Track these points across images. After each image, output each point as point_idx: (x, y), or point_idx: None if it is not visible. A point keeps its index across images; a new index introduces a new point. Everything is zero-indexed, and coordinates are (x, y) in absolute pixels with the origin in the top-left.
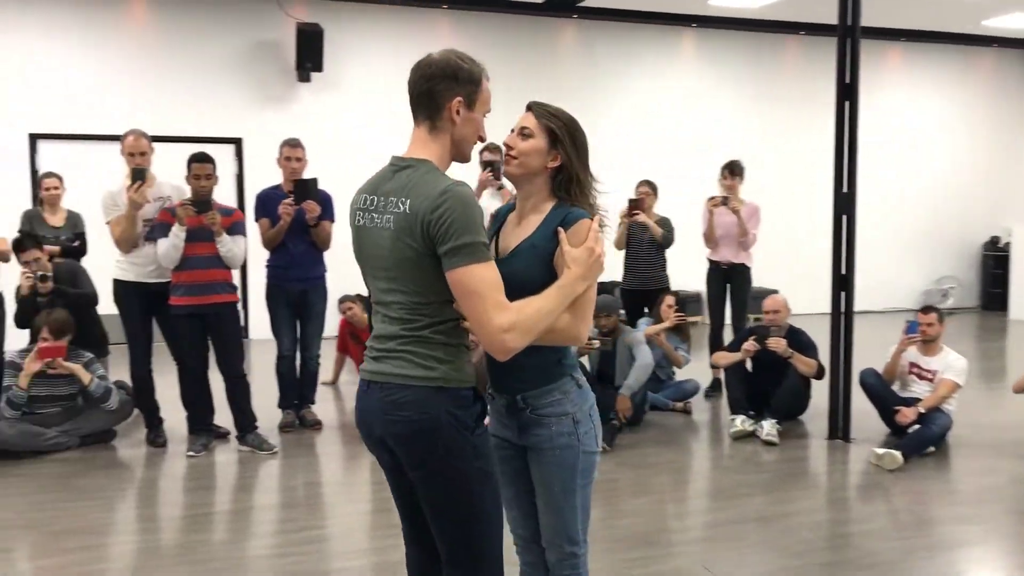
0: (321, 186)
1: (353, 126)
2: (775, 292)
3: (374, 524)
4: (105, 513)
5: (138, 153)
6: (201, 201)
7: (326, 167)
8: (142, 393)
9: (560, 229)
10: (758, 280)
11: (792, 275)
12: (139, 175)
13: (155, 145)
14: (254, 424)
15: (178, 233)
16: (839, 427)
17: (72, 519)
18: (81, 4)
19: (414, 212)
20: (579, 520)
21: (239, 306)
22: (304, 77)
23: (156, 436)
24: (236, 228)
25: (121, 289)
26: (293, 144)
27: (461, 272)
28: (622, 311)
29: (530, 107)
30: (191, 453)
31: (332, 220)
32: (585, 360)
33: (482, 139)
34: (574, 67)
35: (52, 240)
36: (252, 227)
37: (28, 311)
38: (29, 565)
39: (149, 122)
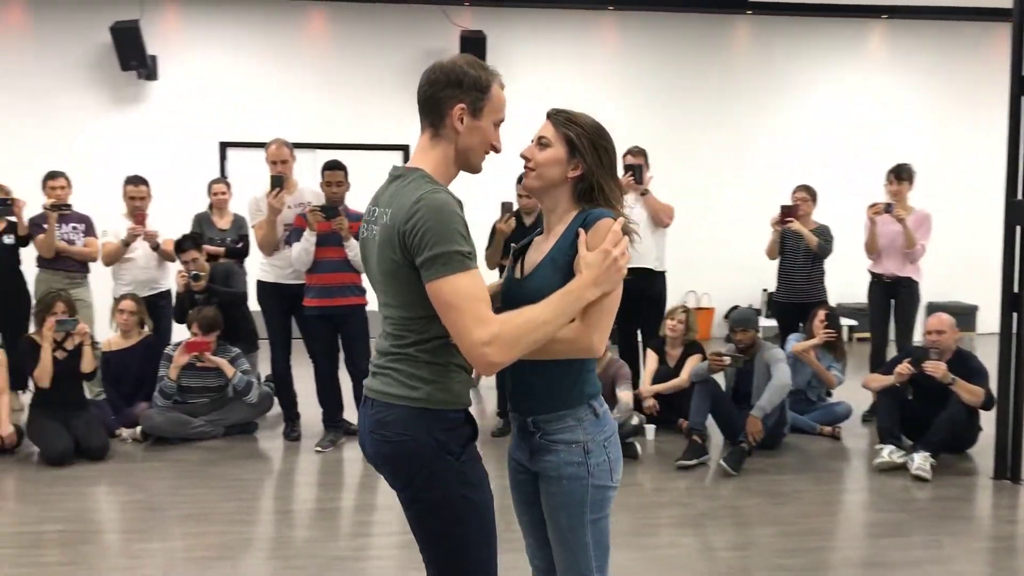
0: (481, 194)
1: (514, 132)
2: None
3: None
4: (226, 502)
5: (279, 161)
6: (329, 207)
7: (486, 174)
8: (281, 388)
9: (580, 231)
10: (933, 295)
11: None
12: (277, 182)
13: (328, 153)
14: (338, 423)
15: (308, 238)
16: (1007, 465)
17: (196, 505)
18: (265, 20)
19: (392, 223)
20: (591, 556)
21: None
22: None
23: (291, 430)
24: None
25: (262, 290)
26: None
27: (437, 284)
28: (774, 324)
29: (549, 115)
30: (318, 448)
31: None
32: (720, 377)
33: (495, 149)
34: (746, 66)
35: (218, 242)
36: None
37: (183, 308)
38: (140, 547)
39: (322, 131)
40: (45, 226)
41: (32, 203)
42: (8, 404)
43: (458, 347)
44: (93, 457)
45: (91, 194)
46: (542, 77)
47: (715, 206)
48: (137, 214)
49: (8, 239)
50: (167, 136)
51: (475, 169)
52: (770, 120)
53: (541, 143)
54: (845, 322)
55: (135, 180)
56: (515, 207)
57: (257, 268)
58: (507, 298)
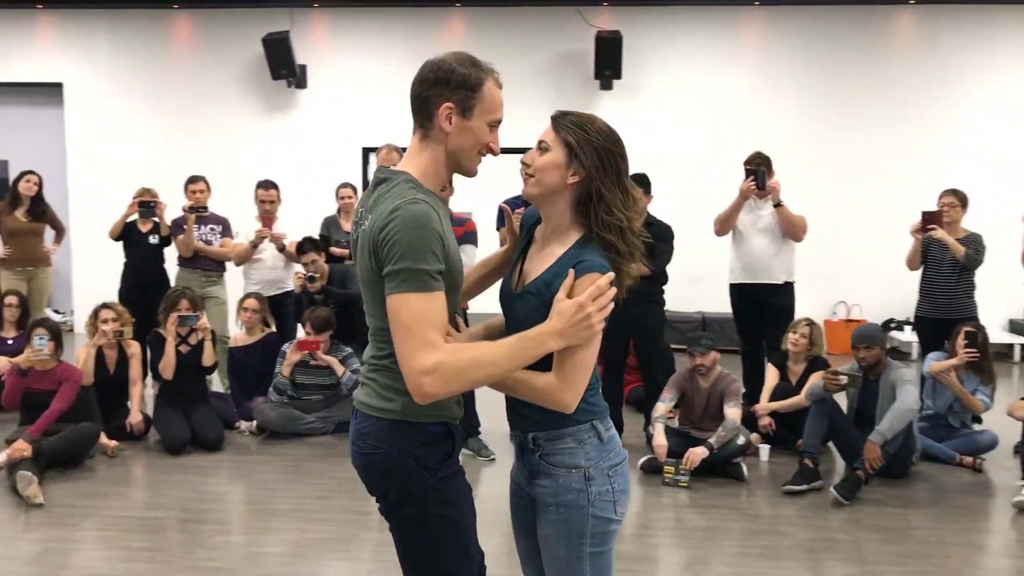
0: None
1: (652, 133)
2: None
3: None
4: (311, 499)
5: (390, 165)
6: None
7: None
8: None
9: (571, 271)
10: None
11: None
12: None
13: None
14: (476, 429)
15: None
16: None
17: (284, 501)
18: (407, 27)
19: (370, 230)
20: None
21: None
22: (606, 85)
23: None
24: (467, 238)
25: None
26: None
27: (393, 299)
28: (913, 341)
29: (552, 118)
30: None
31: None
32: (841, 397)
33: (492, 151)
34: (909, 60)
35: (344, 244)
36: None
37: (300, 308)
38: (222, 539)
39: None
40: (185, 227)
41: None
42: (140, 394)
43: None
44: (209, 448)
45: (241, 198)
46: (680, 78)
47: (870, 211)
48: (265, 217)
49: (153, 239)
50: (313, 142)
51: (469, 172)
52: (934, 120)
53: (541, 147)
54: (1008, 340)
55: (265, 184)
56: None
57: None
58: (502, 306)
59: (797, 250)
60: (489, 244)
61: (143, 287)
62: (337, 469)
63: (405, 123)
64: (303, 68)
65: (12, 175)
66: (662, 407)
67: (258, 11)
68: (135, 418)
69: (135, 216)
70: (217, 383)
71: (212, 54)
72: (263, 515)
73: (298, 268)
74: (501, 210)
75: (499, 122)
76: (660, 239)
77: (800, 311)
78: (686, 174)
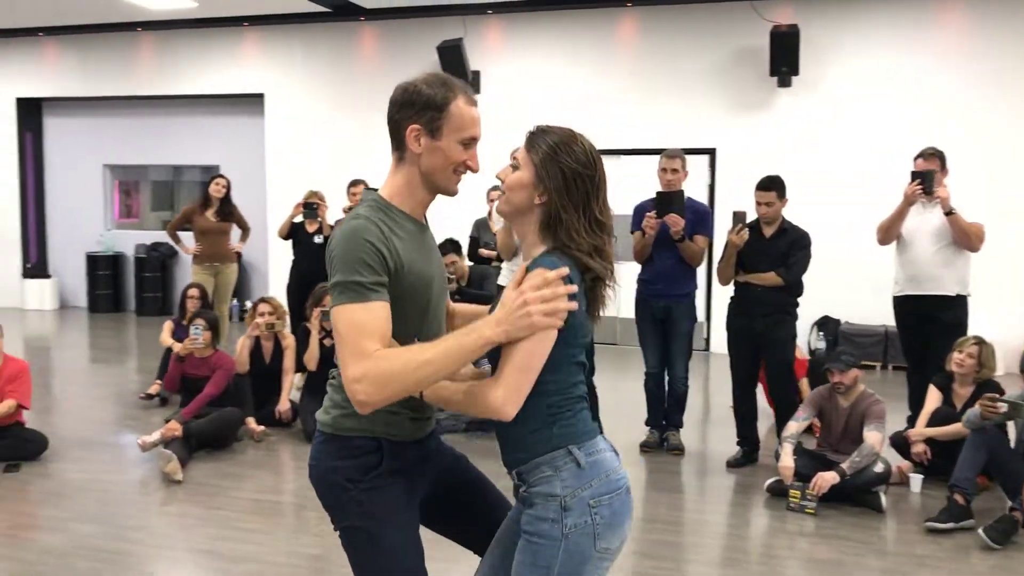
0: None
1: (831, 130)
2: None
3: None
4: None
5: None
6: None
7: (801, 174)
8: None
9: (523, 266)
10: None
11: None
12: (739, 218)
13: (637, 158)
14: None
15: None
16: None
17: None
18: (578, 29)
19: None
20: None
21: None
22: (784, 82)
23: None
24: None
25: (499, 293)
26: (671, 155)
27: (332, 312)
28: None
29: (528, 134)
30: None
31: (707, 236)
32: (1011, 427)
33: (470, 168)
34: None
35: (492, 245)
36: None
37: None
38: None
39: (631, 136)
40: None
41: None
42: (291, 384)
43: None
44: None
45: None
46: (862, 72)
47: None
48: None
49: (317, 239)
50: (483, 147)
51: (446, 191)
52: None
53: (512, 164)
54: None
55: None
56: (748, 218)
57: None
58: None
59: (974, 260)
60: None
61: (307, 284)
62: None
63: (576, 125)
64: (476, 74)
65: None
66: (793, 426)
67: (434, 20)
68: (283, 406)
69: (300, 217)
70: None
71: (392, 63)
72: None
73: None
74: (636, 212)
75: (474, 139)
76: (795, 247)
77: (977, 329)
78: (869, 174)
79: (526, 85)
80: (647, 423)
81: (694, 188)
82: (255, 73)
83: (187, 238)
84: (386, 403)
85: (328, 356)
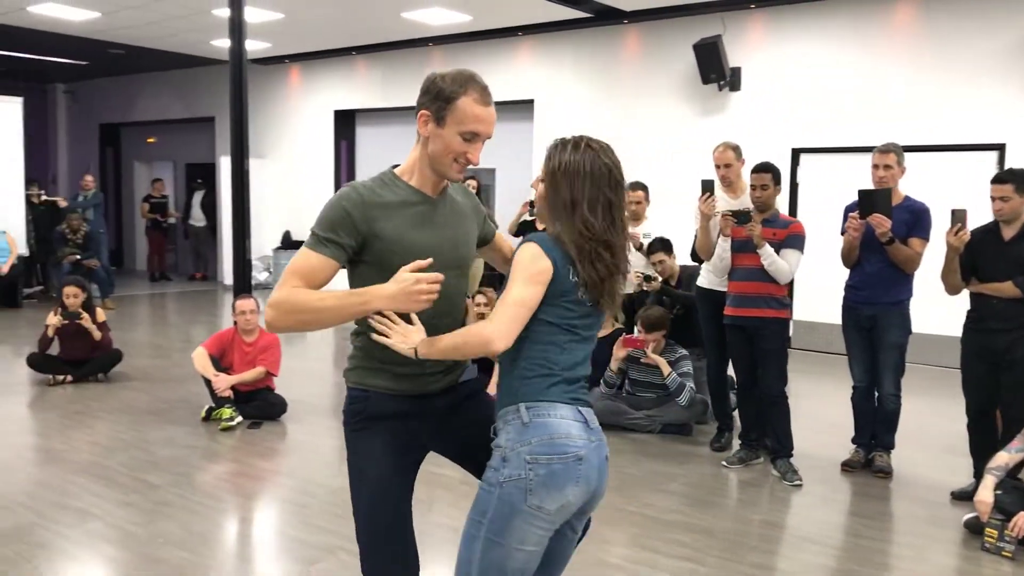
0: None
1: None
2: None
3: None
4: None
5: (723, 165)
6: (742, 212)
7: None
8: (714, 396)
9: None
10: None
11: None
12: (707, 187)
13: (915, 156)
14: (787, 450)
15: (722, 244)
16: None
17: None
18: (847, 21)
19: None
20: (469, 573)
21: (788, 323)
22: None
23: (717, 439)
24: (790, 241)
25: (700, 295)
26: (884, 150)
27: None
28: None
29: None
30: (724, 463)
31: (924, 239)
32: None
33: (469, 161)
34: None
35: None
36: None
37: (633, 306)
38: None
39: (904, 132)
40: None
41: None
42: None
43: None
44: None
45: (672, 201)
46: None
47: None
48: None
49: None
50: (742, 143)
51: (447, 177)
52: None
53: (540, 178)
54: None
55: (633, 186)
56: (969, 215)
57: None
58: None
59: None
60: (816, 250)
61: None
62: (640, 470)
63: (838, 123)
64: (736, 71)
65: (499, 183)
66: (1004, 457)
67: (694, 18)
68: (493, 392)
69: (527, 215)
70: None
71: (652, 63)
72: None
73: (638, 267)
74: (845, 212)
75: (475, 135)
76: None
77: None
78: None
79: (789, 78)
80: (853, 440)
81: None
82: (527, 79)
83: None
84: (288, 330)
85: None
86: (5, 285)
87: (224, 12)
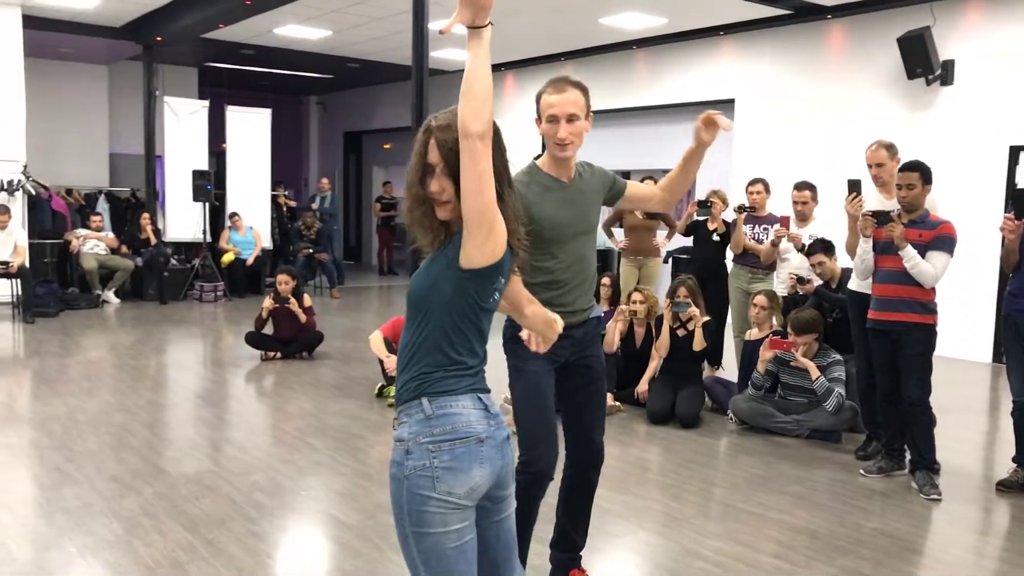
0: None
1: None
2: None
3: None
4: (683, 500)
5: (875, 164)
6: (882, 212)
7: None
8: (862, 403)
9: None
10: None
11: None
12: (854, 186)
13: None
14: (927, 462)
15: (863, 245)
16: None
17: (692, 486)
18: None
19: None
20: None
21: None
22: None
23: (861, 448)
24: (937, 243)
25: (849, 297)
26: None
27: None
28: None
29: None
30: (862, 471)
31: None
32: None
33: (557, 142)
34: None
35: None
36: None
37: (786, 309)
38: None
39: None
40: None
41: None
42: (654, 368)
43: None
44: (684, 424)
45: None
46: None
47: None
48: (784, 219)
49: (716, 237)
50: (953, 142)
51: (556, 155)
52: None
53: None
54: None
55: (799, 185)
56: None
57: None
58: None
59: None
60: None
61: (703, 279)
62: (779, 474)
63: None
64: (949, 64)
65: (699, 181)
66: None
67: (900, 10)
68: (641, 388)
69: (696, 215)
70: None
71: (856, 59)
72: (674, 501)
73: (791, 268)
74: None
75: (553, 117)
76: None
77: None
78: None
79: (1008, 70)
80: (1014, 459)
81: None
82: (727, 79)
83: (619, 233)
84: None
85: (679, 345)
86: (250, 274)
87: (437, 25)
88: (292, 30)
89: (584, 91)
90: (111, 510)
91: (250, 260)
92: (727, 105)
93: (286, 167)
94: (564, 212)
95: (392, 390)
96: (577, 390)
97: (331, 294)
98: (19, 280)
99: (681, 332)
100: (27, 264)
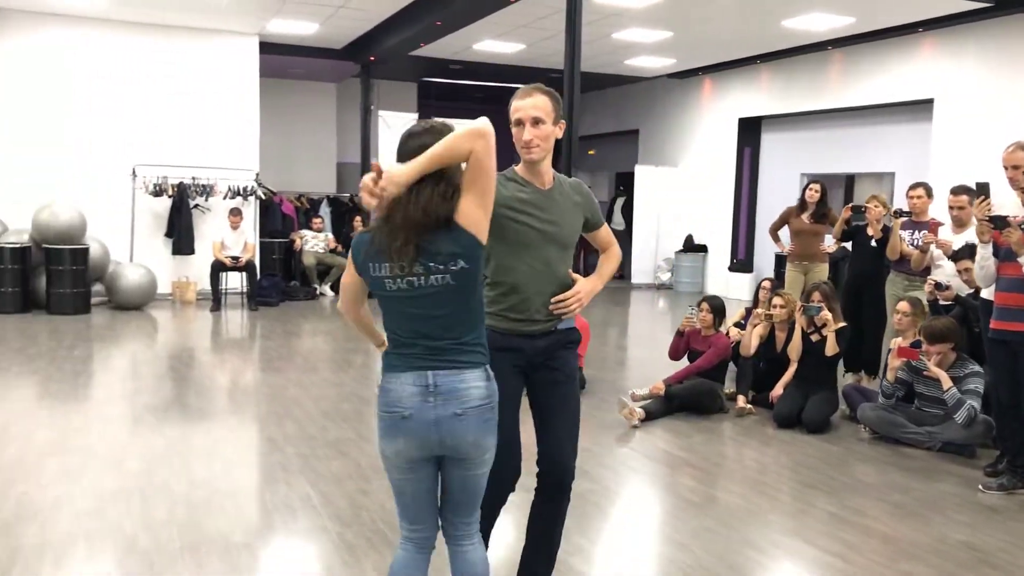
0: None
1: None
2: None
3: None
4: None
5: (1011, 166)
6: (999, 217)
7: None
8: (999, 419)
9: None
10: None
11: None
12: (982, 189)
13: None
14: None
15: (981, 251)
16: None
17: (820, 499)
18: None
19: None
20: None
21: None
22: None
23: (991, 464)
24: None
25: (980, 306)
26: None
27: None
28: None
29: None
30: (982, 487)
31: None
32: None
33: (523, 145)
34: None
35: None
36: None
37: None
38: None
39: None
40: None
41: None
42: (790, 374)
43: None
44: (811, 429)
45: None
46: None
47: None
48: (933, 223)
49: (873, 243)
50: None
51: (525, 158)
52: None
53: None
54: None
55: (956, 190)
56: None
57: None
58: None
59: None
60: None
61: (859, 286)
62: (867, 472)
63: None
64: None
65: (898, 186)
66: None
67: None
68: (775, 392)
69: (852, 221)
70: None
71: None
72: (754, 492)
73: (943, 276)
74: None
75: (519, 120)
76: None
77: None
78: None
79: None
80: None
81: None
82: (925, 78)
83: (785, 238)
84: None
85: (810, 349)
86: None
87: (624, 35)
88: (489, 45)
89: (553, 97)
90: (314, 468)
91: None
92: (924, 107)
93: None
94: (531, 218)
95: None
96: (542, 399)
97: None
98: (246, 273)
99: (814, 337)
100: (255, 260)
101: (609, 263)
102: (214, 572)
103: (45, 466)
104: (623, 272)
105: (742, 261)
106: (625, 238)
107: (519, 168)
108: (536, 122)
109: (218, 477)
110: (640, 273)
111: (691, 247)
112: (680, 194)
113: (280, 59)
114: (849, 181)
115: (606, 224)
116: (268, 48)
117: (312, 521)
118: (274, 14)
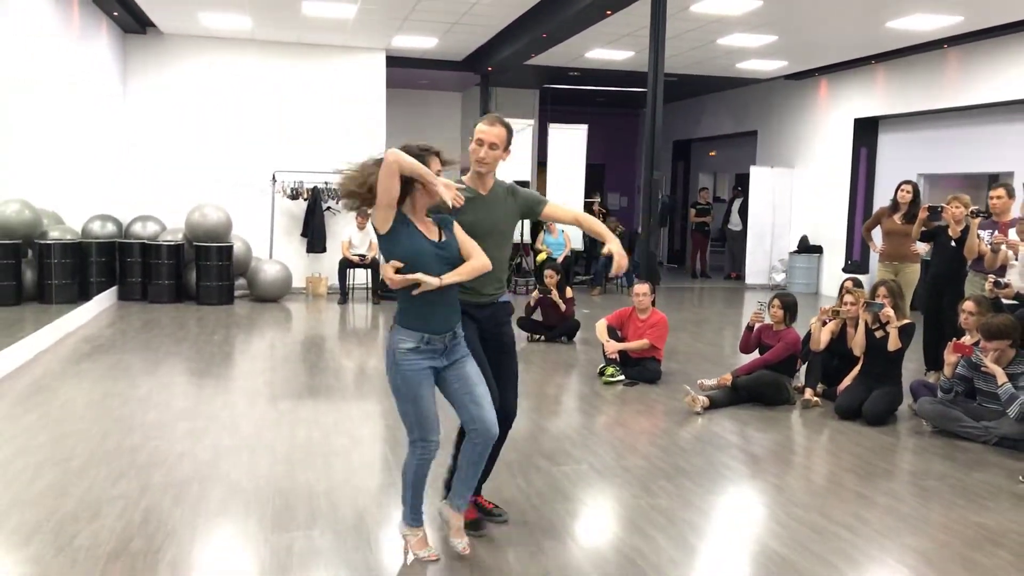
0: None
1: None
2: None
3: None
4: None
5: None
6: None
7: None
8: None
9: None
10: None
11: None
12: None
13: None
14: None
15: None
16: None
17: (867, 488)
18: None
19: None
20: (403, 421)
21: None
22: None
23: None
24: None
25: None
26: None
27: None
28: None
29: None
30: (1021, 478)
31: None
32: None
33: (478, 160)
34: None
35: None
36: None
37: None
38: (709, 498)
39: None
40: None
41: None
42: (857, 369)
43: None
44: (870, 422)
45: None
46: None
47: None
48: (1005, 223)
49: (952, 243)
50: None
51: (475, 168)
52: None
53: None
54: None
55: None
56: None
57: None
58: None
59: None
60: None
61: (940, 286)
62: (915, 463)
63: None
64: None
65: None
66: None
67: None
68: (842, 386)
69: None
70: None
71: None
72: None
73: (1008, 275)
74: None
75: (480, 141)
76: None
77: None
78: None
79: None
80: None
81: None
82: None
83: (878, 238)
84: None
85: (874, 345)
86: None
87: (728, 41)
88: (600, 53)
89: (508, 130)
90: (400, 439)
91: (560, 259)
92: None
93: (621, 176)
94: (478, 216)
95: (608, 369)
96: (492, 359)
97: (592, 292)
98: (371, 270)
99: (879, 333)
100: (378, 257)
101: (588, 222)
102: (296, 512)
103: (176, 427)
104: (738, 272)
105: (856, 262)
106: (741, 239)
107: (467, 178)
108: (492, 146)
109: (315, 442)
110: (755, 274)
111: (806, 248)
112: (795, 195)
113: (406, 71)
114: (992, 180)
115: (547, 199)
116: (396, 61)
117: (387, 478)
118: (396, 30)
